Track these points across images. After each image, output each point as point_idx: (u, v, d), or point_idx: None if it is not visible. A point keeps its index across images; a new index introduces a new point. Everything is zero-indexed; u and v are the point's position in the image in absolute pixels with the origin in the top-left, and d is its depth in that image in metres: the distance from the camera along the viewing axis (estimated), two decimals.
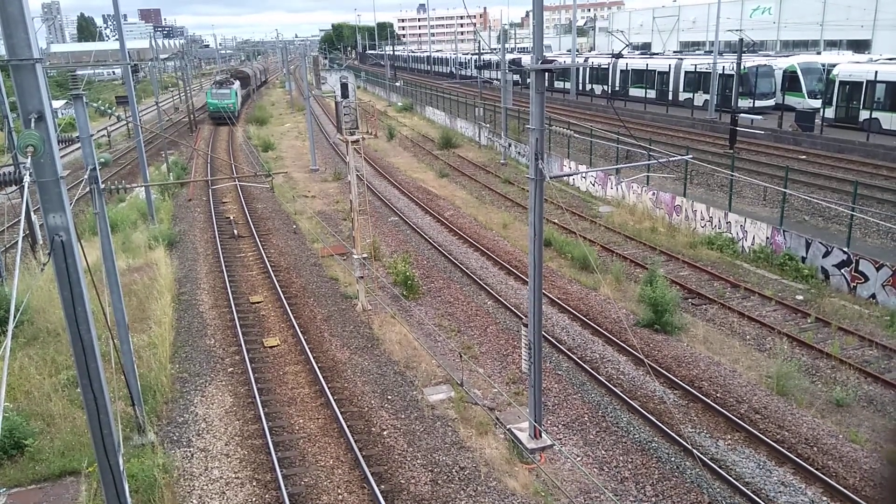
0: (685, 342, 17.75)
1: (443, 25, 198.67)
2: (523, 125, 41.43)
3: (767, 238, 22.88)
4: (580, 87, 61.64)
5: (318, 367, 16.69)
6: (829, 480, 12.11)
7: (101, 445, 7.59)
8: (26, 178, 6.36)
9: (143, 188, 30.16)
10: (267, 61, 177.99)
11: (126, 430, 13.50)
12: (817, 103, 39.40)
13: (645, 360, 15.61)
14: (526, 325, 13.05)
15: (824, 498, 11.87)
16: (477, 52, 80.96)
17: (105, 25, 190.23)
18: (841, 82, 36.44)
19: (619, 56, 54.78)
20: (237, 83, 69.71)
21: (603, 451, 13.49)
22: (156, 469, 12.38)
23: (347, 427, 14.08)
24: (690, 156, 16.90)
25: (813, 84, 42.02)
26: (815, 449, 13.19)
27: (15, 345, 16.80)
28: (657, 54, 62.97)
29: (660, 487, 12.40)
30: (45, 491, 12.21)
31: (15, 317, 6.08)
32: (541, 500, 11.90)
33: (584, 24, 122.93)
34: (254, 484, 12.64)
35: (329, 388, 15.69)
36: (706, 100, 45.27)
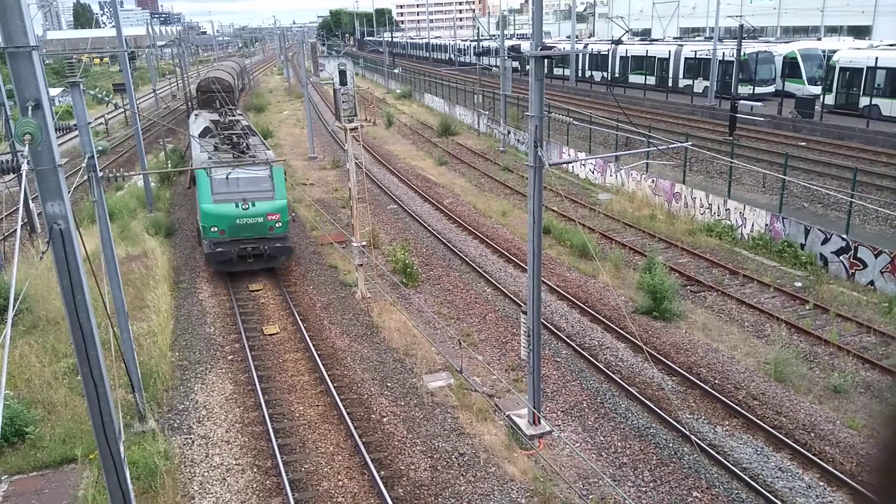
0: (684, 329, 17.80)
1: (441, 12, 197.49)
2: (522, 112, 41.27)
3: (766, 225, 22.89)
4: (580, 74, 61.37)
5: (318, 355, 16.74)
6: (826, 466, 12.19)
7: (101, 433, 7.62)
8: (24, 167, 6.35)
9: (142, 176, 30.09)
10: (264, 48, 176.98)
11: (126, 418, 13.55)
12: (817, 90, 39.29)
13: (643, 346, 15.66)
14: (525, 313, 13.08)
15: (821, 483, 11.95)
16: (476, 38, 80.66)
17: (102, 12, 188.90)
18: (841, 68, 36.31)
19: (618, 42, 54.53)
20: (267, 147, 25.82)
21: (601, 437, 13.57)
22: (157, 456, 12.44)
23: (347, 414, 14.14)
24: (690, 143, 16.88)
25: (813, 70, 41.89)
26: (813, 435, 13.27)
27: (15, 333, 16.83)
28: (657, 40, 62.69)
29: (658, 473, 12.48)
30: (47, 478, 12.28)
31: (14, 305, 6.08)
32: (539, 486, 11.98)
33: (584, 10, 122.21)
34: (254, 470, 12.71)
35: (329, 376, 15.75)
36: (706, 86, 45.11)
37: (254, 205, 20.62)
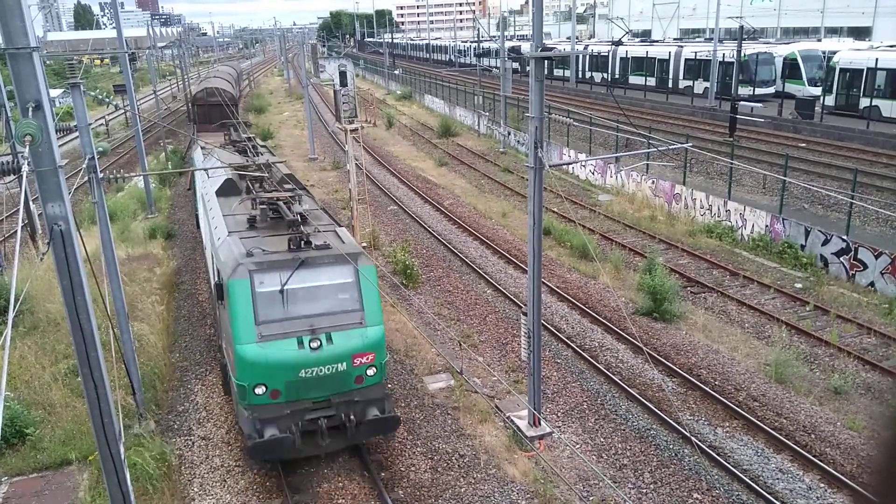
0: (684, 330, 17.79)
1: (442, 13, 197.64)
2: (522, 113, 41.27)
3: (767, 226, 22.88)
4: (580, 75, 61.40)
5: None
6: (827, 467, 12.18)
7: (101, 434, 7.62)
8: (24, 168, 6.35)
9: (142, 177, 30.10)
10: (265, 50, 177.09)
11: (127, 419, 13.54)
12: (817, 91, 39.30)
13: (644, 348, 15.65)
14: (525, 314, 13.07)
15: (822, 484, 11.94)
16: (476, 39, 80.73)
17: (102, 13, 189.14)
18: (841, 70, 36.32)
19: (618, 43, 54.54)
20: (335, 221, 14.62)
21: (602, 439, 13.56)
22: (157, 458, 12.43)
23: None
24: (690, 144, 16.88)
25: (813, 71, 41.92)
26: (813, 436, 13.26)
27: (15, 334, 16.82)
28: (657, 42, 62.72)
29: (658, 474, 12.47)
30: (47, 479, 12.27)
31: (15, 306, 6.08)
32: (540, 488, 11.97)
33: (584, 12, 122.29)
34: (255, 471, 12.69)
35: None
36: (706, 87, 45.13)
37: (330, 340, 11.52)
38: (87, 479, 12.19)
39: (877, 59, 34.26)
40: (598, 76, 58.60)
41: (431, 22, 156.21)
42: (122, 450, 8.08)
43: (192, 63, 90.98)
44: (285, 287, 11.50)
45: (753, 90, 42.50)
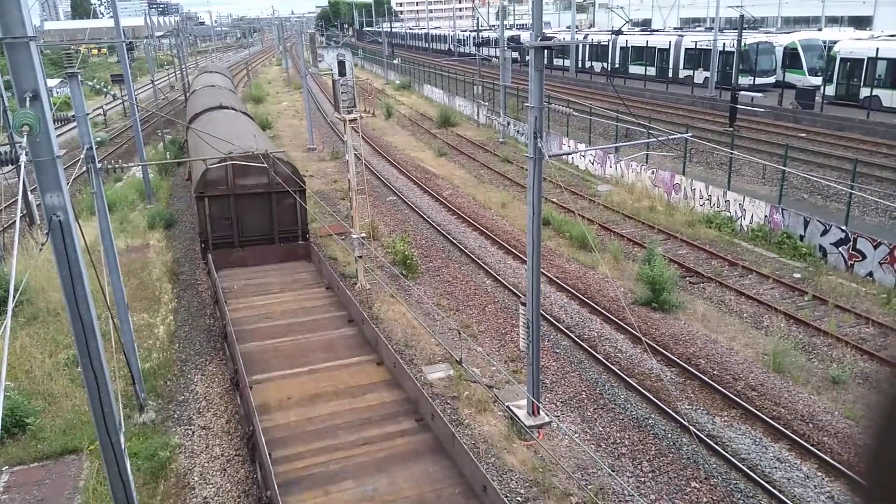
0: (682, 320, 17.83)
1: (441, 2, 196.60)
2: (522, 103, 41.16)
3: (766, 216, 22.88)
4: (579, 65, 61.17)
5: None
6: (824, 456, 12.24)
7: (102, 424, 7.65)
8: (23, 158, 6.34)
9: (141, 167, 30.04)
10: (263, 39, 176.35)
11: (127, 409, 13.59)
12: (818, 80, 39.16)
13: (642, 337, 15.68)
14: (524, 304, 13.09)
15: (819, 473, 12.00)
16: (475, 28, 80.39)
17: (100, 2, 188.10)
18: (842, 59, 36.20)
19: (618, 33, 54.30)
20: None
21: (600, 428, 13.61)
22: (157, 447, 12.48)
23: None
24: (690, 134, 16.85)
25: (814, 61, 41.76)
26: (811, 425, 13.31)
27: (15, 324, 16.84)
28: (657, 31, 62.45)
29: (656, 463, 12.53)
30: (48, 469, 12.32)
31: (14, 296, 6.09)
32: (539, 476, 12.02)
33: (584, 1, 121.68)
34: (255, 461, 12.74)
35: None
36: (706, 77, 44.97)
37: None
38: (87, 469, 12.25)
39: (877, 49, 34.13)
40: (597, 66, 58.36)
41: (430, 11, 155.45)
42: (122, 439, 8.11)
43: (190, 52, 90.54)
44: None
45: (754, 80, 42.35)
